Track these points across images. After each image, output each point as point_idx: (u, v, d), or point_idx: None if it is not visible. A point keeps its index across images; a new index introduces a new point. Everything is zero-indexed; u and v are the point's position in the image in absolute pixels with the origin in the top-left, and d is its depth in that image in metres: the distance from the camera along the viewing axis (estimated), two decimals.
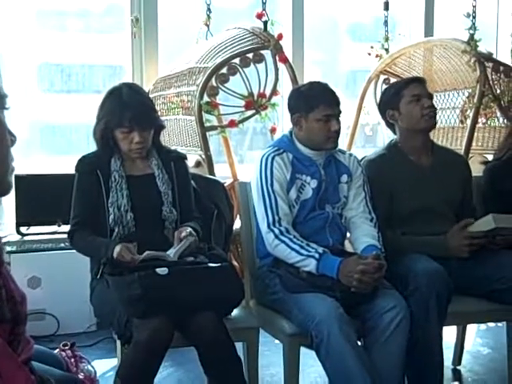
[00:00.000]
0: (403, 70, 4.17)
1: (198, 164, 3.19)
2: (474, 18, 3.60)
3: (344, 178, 2.66)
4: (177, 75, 3.33)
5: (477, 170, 3.33)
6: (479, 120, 3.84)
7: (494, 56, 4.66)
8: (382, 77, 4.19)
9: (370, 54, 4.17)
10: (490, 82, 3.47)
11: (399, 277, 2.50)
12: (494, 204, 2.97)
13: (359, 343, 2.37)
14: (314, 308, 2.31)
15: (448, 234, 2.65)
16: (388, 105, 2.84)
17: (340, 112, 2.58)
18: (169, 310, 2.17)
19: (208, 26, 3.70)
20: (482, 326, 3.80)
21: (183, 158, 2.66)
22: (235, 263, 3.05)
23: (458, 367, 3.24)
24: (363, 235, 2.59)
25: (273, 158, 2.57)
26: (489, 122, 3.74)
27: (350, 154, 2.75)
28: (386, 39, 4.14)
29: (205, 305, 2.22)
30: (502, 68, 3.55)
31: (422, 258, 2.53)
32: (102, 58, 4.18)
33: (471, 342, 3.58)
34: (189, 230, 2.42)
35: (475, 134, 3.91)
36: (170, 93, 3.32)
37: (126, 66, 3.97)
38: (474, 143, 3.93)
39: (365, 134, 4.45)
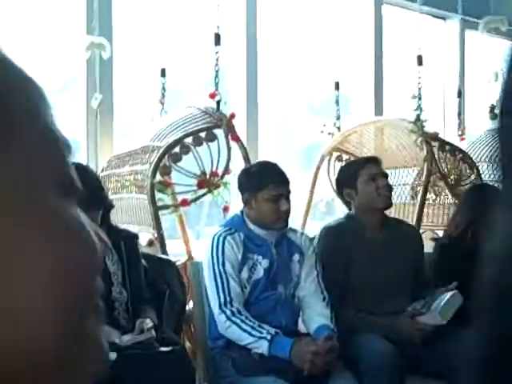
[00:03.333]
0: (355, 147, 4.26)
1: (150, 243, 3.16)
2: (420, 99, 3.73)
3: (296, 256, 2.67)
4: (130, 153, 3.34)
5: (428, 246, 3.38)
6: (429, 197, 3.93)
7: (441, 135, 4.85)
8: (335, 154, 4.27)
9: (322, 132, 4.26)
10: (437, 161, 3.57)
11: (352, 357, 2.48)
12: (444, 281, 3.01)
13: None
14: None
15: (399, 321, 2.67)
16: (345, 184, 2.90)
17: (289, 192, 2.61)
18: None
19: (163, 104, 3.73)
20: None
21: (134, 236, 2.64)
22: (188, 344, 2.99)
23: None
24: (315, 315, 2.58)
25: (224, 238, 2.57)
26: (438, 199, 3.83)
27: (302, 233, 2.77)
28: (338, 118, 4.23)
29: None
30: (448, 147, 3.66)
31: (375, 339, 2.53)
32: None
33: None
34: (151, 324, 2.38)
35: (425, 210, 3.99)
36: (123, 171, 3.31)
37: (82, 142, 3.95)
38: (424, 219, 4.01)
39: (319, 210, 4.50)
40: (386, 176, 2.89)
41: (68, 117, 4.16)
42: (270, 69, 4.60)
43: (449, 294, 2.71)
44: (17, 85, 0.42)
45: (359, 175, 2.83)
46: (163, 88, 3.74)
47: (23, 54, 3.86)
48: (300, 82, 4.71)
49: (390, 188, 2.86)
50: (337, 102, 4.25)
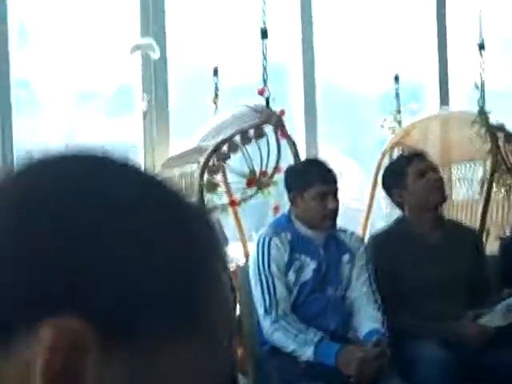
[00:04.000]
0: (418, 141, 4.08)
1: None
2: (483, 89, 3.52)
3: (346, 257, 2.55)
4: (182, 155, 3.31)
5: (495, 246, 3.20)
6: (497, 193, 3.72)
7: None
8: (397, 149, 4.10)
9: (382, 127, 4.10)
10: (503, 154, 3.36)
11: (405, 363, 2.35)
12: (508, 283, 2.83)
13: None
14: None
15: (459, 325, 2.51)
16: (393, 184, 2.75)
17: (337, 189, 2.49)
18: None
19: (216, 103, 3.68)
20: None
21: None
22: (238, 351, 2.92)
23: None
24: (366, 319, 2.46)
25: (270, 239, 2.48)
26: (507, 195, 3.60)
27: (352, 233, 2.65)
28: (398, 111, 4.06)
29: None
30: None
31: (432, 345, 2.38)
32: (116, 138, 4.20)
33: None
34: None
35: (494, 207, 3.78)
36: (175, 173, 3.28)
37: (139, 146, 3.95)
38: (493, 217, 3.79)
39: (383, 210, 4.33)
40: (435, 170, 2.72)
41: (124, 120, 4.18)
42: (327, 62, 4.49)
43: None
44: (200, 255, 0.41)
45: (407, 173, 2.66)
46: (216, 87, 3.69)
47: (79, 58, 3.91)
48: (359, 75, 4.56)
49: (442, 182, 2.68)
50: (397, 96, 4.09)
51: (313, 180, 2.45)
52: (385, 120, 4.08)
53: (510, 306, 2.53)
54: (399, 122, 4.07)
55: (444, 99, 4.40)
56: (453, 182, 4.05)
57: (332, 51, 4.47)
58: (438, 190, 2.65)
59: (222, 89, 3.77)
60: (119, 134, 4.15)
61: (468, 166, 3.91)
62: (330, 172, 2.50)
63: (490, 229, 3.79)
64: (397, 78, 4.13)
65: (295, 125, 4.17)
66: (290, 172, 2.60)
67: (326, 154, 4.91)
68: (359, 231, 3.64)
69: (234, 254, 3.29)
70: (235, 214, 3.51)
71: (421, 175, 2.65)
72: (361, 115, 5.00)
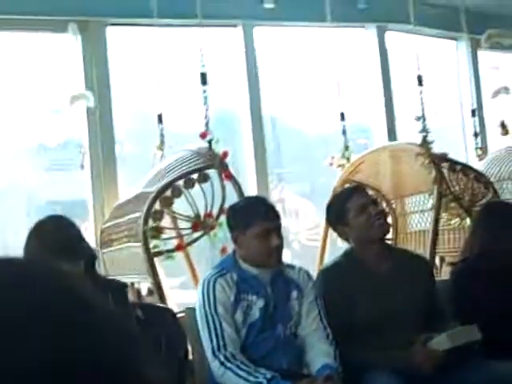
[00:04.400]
0: (368, 177, 4.11)
1: (150, 292, 3.05)
2: (425, 120, 3.58)
3: (294, 294, 2.51)
4: (126, 203, 3.28)
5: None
6: (446, 221, 3.75)
7: (463, 157, 4.66)
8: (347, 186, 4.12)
9: (331, 165, 4.13)
10: (448, 182, 3.39)
11: None
12: (466, 308, 2.81)
13: None
14: None
15: (410, 351, 2.46)
16: (336, 221, 2.74)
17: (280, 226, 2.47)
18: None
19: (162, 150, 3.67)
20: None
21: (122, 286, 2.53)
22: None
23: None
24: (318, 354, 2.42)
25: (215, 281, 2.44)
26: (455, 223, 3.63)
27: (300, 269, 2.62)
28: (346, 148, 4.11)
29: None
30: (458, 167, 3.49)
31: (383, 375, 2.34)
32: (64, 194, 4.16)
33: None
34: None
35: (445, 236, 3.80)
36: (121, 221, 3.24)
37: (89, 201, 3.90)
38: (445, 245, 3.81)
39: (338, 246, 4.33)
40: (375, 203, 2.72)
41: (71, 174, 4.14)
42: (273, 104, 4.53)
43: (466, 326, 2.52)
44: None
45: (347, 209, 2.64)
46: (161, 134, 3.69)
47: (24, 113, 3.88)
48: (307, 116, 4.61)
49: (383, 214, 2.68)
50: (343, 132, 4.13)
51: (254, 218, 2.43)
52: (333, 158, 4.11)
53: (458, 330, 2.51)
54: (348, 159, 4.10)
55: (391, 134, 4.46)
56: (406, 213, 4.08)
57: (278, 93, 4.52)
58: (380, 224, 2.63)
59: (171, 135, 3.78)
60: (67, 188, 4.11)
61: (419, 197, 3.95)
62: (271, 208, 2.48)
63: (445, 257, 3.82)
64: (343, 116, 4.18)
65: (246, 169, 4.20)
66: (230, 211, 2.57)
67: (280, 196, 4.95)
68: (315, 268, 3.63)
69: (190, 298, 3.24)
70: (187, 257, 3.49)
71: (361, 210, 2.63)
72: (315, 155, 5.04)
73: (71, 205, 4.20)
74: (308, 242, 4.63)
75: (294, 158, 5.25)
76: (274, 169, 5.09)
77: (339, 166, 4.11)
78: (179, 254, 3.52)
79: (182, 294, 3.85)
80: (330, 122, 4.43)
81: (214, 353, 2.34)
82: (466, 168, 3.55)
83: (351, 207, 2.64)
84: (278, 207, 4.89)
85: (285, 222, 4.89)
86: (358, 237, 2.66)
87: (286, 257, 4.63)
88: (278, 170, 5.17)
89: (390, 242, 2.86)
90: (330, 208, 2.77)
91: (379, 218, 2.63)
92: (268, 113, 4.52)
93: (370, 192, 4.08)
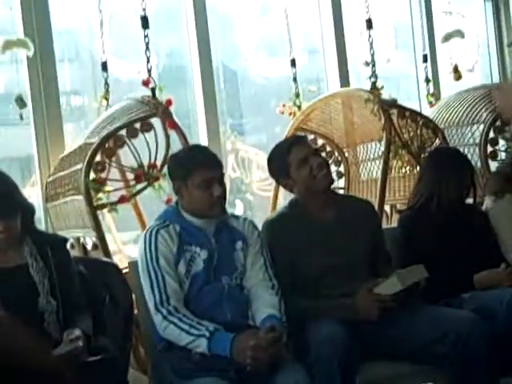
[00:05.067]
0: (319, 125, 4.06)
1: (95, 246, 2.98)
2: (374, 65, 3.52)
3: (239, 244, 2.47)
4: (69, 155, 3.18)
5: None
6: (401, 168, 3.74)
7: (416, 104, 4.63)
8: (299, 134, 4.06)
9: (282, 113, 4.06)
10: (397, 129, 3.35)
11: (303, 346, 2.29)
12: (410, 253, 2.82)
13: None
14: None
15: (356, 297, 2.45)
16: (278, 175, 2.68)
17: (222, 175, 2.41)
18: None
19: (108, 99, 3.55)
20: None
21: (62, 241, 2.46)
22: (142, 350, 2.82)
23: None
24: (263, 305, 2.38)
25: (157, 232, 2.38)
26: (405, 170, 3.61)
27: (245, 219, 2.57)
28: (297, 96, 4.03)
29: None
30: (407, 113, 3.45)
31: (325, 325, 2.32)
32: (7, 150, 4.03)
33: None
34: (78, 333, 2.19)
35: (396, 183, 3.80)
36: (64, 174, 3.14)
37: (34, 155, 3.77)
38: (396, 193, 3.81)
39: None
40: (317, 154, 2.63)
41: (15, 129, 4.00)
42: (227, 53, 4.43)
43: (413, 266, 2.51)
44: None
45: (289, 164, 2.57)
46: (106, 83, 3.57)
47: None
48: (258, 63, 4.52)
49: (325, 164, 2.60)
50: (294, 80, 4.05)
51: (195, 167, 2.36)
52: (284, 105, 4.04)
53: (407, 271, 2.48)
54: (299, 107, 4.04)
55: (344, 81, 4.39)
56: (358, 161, 4.06)
57: (229, 39, 4.42)
58: (323, 175, 2.56)
59: (120, 84, 3.67)
60: (10, 143, 3.98)
61: (370, 145, 3.92)
62: (212, 157, 2.41)
63: (396, 205, 3.82)
64: (294, 63, 4.09)
65: (197, 119, 4.11)
66: (171, 161, 2.50)
67: (233, 147, 4.88)
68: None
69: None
70: (137, 211, 3.42)
71: (302, 163, 2.56)
72: (271, 105, 4.96)
73: (16, 161, 4.08)
74: (261, 193, 4.59)
75: (250, 109, 5.18)
76: (229, 119, 5.01)
77: (290, 114, 4.04)
78: (130, 207, 3.45)
79: (135, 248, 3.79)
80: (283, 69, 4.35)
81: (156, 306, 2.29)
82: (415, 114, 3.51)
83: (292, 161, 2.58)
84: (231, 158, 4.88)
85: (238, 172, 4.85)
86: (302, 189, 2.62)
87: (239, 208, 4.62)
88: (232, 121, 5.09)
89: (335, 190, 2.81)
90: (270, 162, 2.69)
91: (321, 169, 2.58)
92: (221, 63, 4.42)
93: (321, 141, 4.06)
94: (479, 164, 3.63)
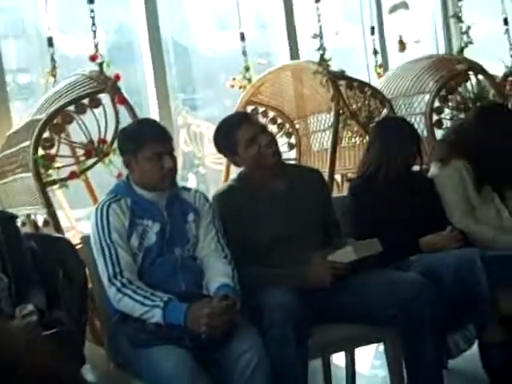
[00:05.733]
0: (269, 98, 4.08)
1: (46, 223, 2.97)
2: (322, 38, 3.55)
3: (190, 216, 2.49)
4: (16, 132, 3.14)
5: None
6: (353, 140, 3.80)
7: (364, 75, 4.69)
8: (250, 108, 4.09)
9: (232, 87, 4.07)
10: (346, 100, 3.40)
11: (256, 313, 2.34)
12: (360, 221, 2.89)
13: None
14: (161, 364, 2.13)
15: (310, 264, 2.50)
16: (225, 151, 2.69)
17: (172, 148, 2.42)
18: None
19: (55, 75, 3.51)
20: (380, 347, 3.67)
21: (11, 218, 2.45)
22: (98, 323, 2.83)
23: None
24: (216, 275, 2.42)
25: (108, 206, 2.38)
26: (354, 140, 3.68)
27: (196, 191, 2.59)
28: (247, 69, 4.04)
29: None
30: (355, 84, 3.50)
31: (278, 291, 2.36)
32: None
33: (368, 366, 3.44)
34: (31, 308, 2.19)
35: (346, 153, 3.86)
36: (12, 151, 3.11)
37: None
38: (347, 163, 3.87)
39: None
40: (264, 131, 2.63)
41: None
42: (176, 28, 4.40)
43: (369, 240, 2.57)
44: None
45: (237, 142, 2.57)
46: (52, 58, 3.52)
47: None
48: (208, 38, 4.51)
49: (273, 142, 2.61)
50: (244, 53, 4.06)
51: (145, 140, 2.36)
52: (234, 79, 4.05)
53: (361, 243, 2.54)
54: (249, 80, 4.05)
55: (293, 53, 4.42)
56: (309, 133, 4.11)
57: (178, 14, 4.39)
58: (272, 152, 2.58)
59: (67, 60, 3.62)
60: None
61: (320, 116, 3.96)
62: (162, 130, 2.42)
63: (347, 174, 3.89)
64: (243, 36, 4.10)
65: (148, 95, 4.09)
66: (120, 135, 2.50)
67: (184, 121, 4.88)
68: None
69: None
70: (88, 187, 3.41)
71: (251, 142, 2.56)
72: (221, 79, 4.96)
73: None
74: (214, 166, 4.61)
75: (201, 83, 5.17)
76: (181, 94, 5.00)
77: (241, 87, 4.06)
78: (82, 185, 3.44)
79: (89, 225, 3.77)
80: (233, 43, 4.35)
81: (110, 280, 2.31)
82: (362, 85, 3.57)
83: (239, 140, 2.58)
84: (183, 133, 4.88)
85: (190, 146, 4.85)
86: (250, 165, 2.64)
87: (192, 181, 4.64)
88: (184, 96, 5.08)
89: (284, 161, 2.83)
90: (217, 139, 2.68)
91: (270, 147, 2.59)
92: (171, 38, 4.40)
93: (272, 113, 4.09)
94: (425, 132, 3.71)
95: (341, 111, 3.39)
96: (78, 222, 3.80)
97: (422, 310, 2.42)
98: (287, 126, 4.11)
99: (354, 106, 3.46)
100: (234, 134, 2.59)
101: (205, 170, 4.66)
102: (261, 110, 4.09)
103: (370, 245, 2.54)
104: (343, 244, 2.58)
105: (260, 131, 2.60)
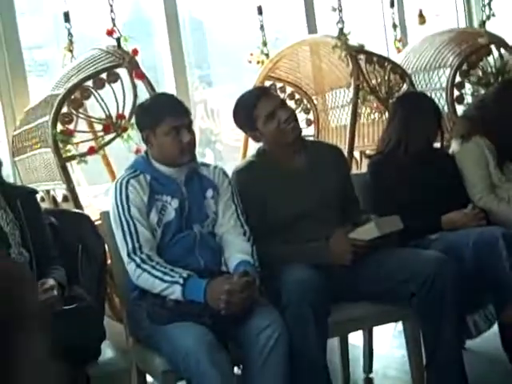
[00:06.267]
0: (287, 73, 4.04)
1: (65, 198, 2.97)
2: (341, 11, 3.49)
3: (210, 192, 2.48)
4: (35, 107, 3.13)
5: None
6: (372, 116, 3.75)
7: (383, 50, 4.62)
8: (268, 83, 4.04)
9: (250, 62, 4.03)
10: (365, 75, 3.35)
11: (275, 291, 2.33)
12: (380, 199, 2.86)
13: (238, 371, 2.20)
14: (180, 340, 2.12)
15: (330, 241, 2.48)
16: (245, 126, 2.66)
17: (191, 122, 2.40)
18: None
19: (71, 51, 3.49)
20: (398, 326, 3.66)
21: (31, 193, 2.44)
22: (117, 299, 2.84)
23: (371, 375, 3.08)
24: (235, 252, 2.41)
25: (127, 182, 2.37)
26: (374, 116, 3.63)
27: (215, 167, 2.57)
28: (265, 44, 4.00)
29: (57, 354, 2.00)
30: (375, 59, 3.44)
31: (296, 269, 2.35)
32: None
33: (386, 345, 3.43)
34: (52, 283, 2.19)
35: (365, 129, 3.82)
36: (31, 126, 3.10)
37: None
38: (366, 140, 3.83)
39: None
40: (284, 106, 2.59)
41: None
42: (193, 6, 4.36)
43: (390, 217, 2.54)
44: None
45: (256, 118, 2.54)
46: (69, 33, 3.49)
47: None
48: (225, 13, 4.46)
49: (293, 117, 2.57)
50: (261, 28, 4.01)
51: (163, 115, 2.34)
52: (251, 54, 4.00)
53: (383, 220, 2.50)
54: (267, 55, 4.01)
55: (311, 27, 4.36)
56: (327, 108, 4.06)
57: None
58: (292, 128, 2.55)
59: (85, 38, 3.59)
60: None
61: (339, 92, 3.91)
62: (179, 105, 2.39)
63: (366, 151, 3.85)
64: (260, 10, 4.05)
65: (164, 71, 4.06)
66: (138, 110, 2.48)
67: (202, 97, 4.84)
68: None
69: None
70: (106, 162, 3.40)
71: (270, 117, 2.54)
72: (238, 54, 4.91)
73: None
74: (231, 143, 4.58)
75: (218, 59, 5.12)
76: (197, 70, 4.96)
77: (258, 62, 4.01)
78: (100, 161, 3.43)
79: (107, 200, 3.77)
80: (249, 18, 4.29)
81: (129, 255, 2.30)
82: (382, 59, 3.51)
83: (258, 115, 2.55)
84: (201, 109, 4.85)
85: (208, 123, 4.82)
86: (270, 141, 2.61)
87: (210, 158, 4.61)
88: (201, 72, 5.04)
89: (304, 137, 2.80)
90: (236, 114, 2.65)
91: (289, 122, 2.56)
92: (188, 12, 4.35)
93: (290, 89, 4.04)
94: (446, 108, 3.66)
95: (360, 86, 3.34)
96: (95, 198, 3.80)
97: (443, 287, 2.40)
98: (305, 101, 4.07)
99: (373, 81, 3.41)
100: (253, 108, 2.56)
101: (222, 146, 4.64)
102: (279, 85, 4.04)
103: (391, 221, 2.51)
104: (363, 220, 2.56)
105: (279, 106, 2.57)
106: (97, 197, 3.83)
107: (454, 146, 3.14)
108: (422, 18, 4.10)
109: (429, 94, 3.41)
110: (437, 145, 3.12)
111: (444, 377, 2.47)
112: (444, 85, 3.69)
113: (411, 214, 2.64)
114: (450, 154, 3.12)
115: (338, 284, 2.44)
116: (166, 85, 4.02)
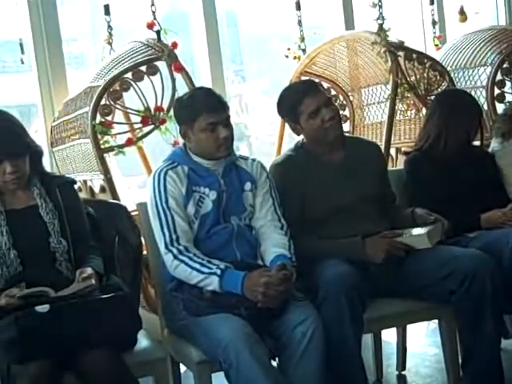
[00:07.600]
0: (323, 68, 4.02)
1: (103, 189, 2.99)
2: (381, 7, 3.46)
3: (247, 185, 2.48)
4: (74, 99, 3.16)
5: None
6: (408, 113, 3.72)
7: (422, 47, 4.57)
8: (304, 78, 4.03)
9: (287, 57, 4.02)
10: (404, 72, 3.32)
11: (311, 286, 2.32)
12: (418, 195, 2.84)
13: (274, 363, 2.19)
14: (218, 331, 2.13)
15: (368, 239, 2.47)
16: (288, 117, 2.65)
17: (228, 117, 2.40)
18: (52, 352, 1.97)
19: (111, 43, 3.51)
20: (431, 325, 3.62)
21: (70, 182, 2.46)
22: (152, 290, 2.85)
23: (403, 372, 3.06)
24: (272, 245, 2.40)
25: (165, 173, 2.38)
26: (412, 114, 3.59)
27: (253, 160, 2.57)
28: (302, 39, 3.98)
29: (95, 341, 2.02)
30: (414, 56, 3.41)
31: (333, 263, 2.35)
32: (13, 98, 4.01)
33: (419, 343, 3.40)
34: (90, 272, 2.22)
35: (402, 126, 3.78)
36: (70, 117, 3.13)
37: (37, 102, 3.74)
38: (402, 136, 3.80)
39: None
40: (329, 104, 2.57)
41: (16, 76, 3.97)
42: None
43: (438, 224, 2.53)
44: None
45: (300, 113, 2.54)
46: (109, 26, 3.52)
47: None
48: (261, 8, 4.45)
49: (336, 117, 2.57)
50: (299, 23, 4.00)
51: (199, 111, 2.34)
52: (289, 49, 3.99)
53: (432, 229, 2.49)
54: (304, 50, 3.99)
55: (348, 23, 4.34)
56: (363, 105, 4.04)
57: None
58: (333, 128, 2.55)
59: (124, 31, 3.61)
60: (14, 91, 3.96)
61: (376, 88, 3.88)
62: (217, 100, 2.39)
63: (402, 148, 3.81)
64: (298, 5, 4.03)
65: (201, 66, 4.07)
66: (176, 105, 2.49)
67: (237, 92, 4.85)
68: None
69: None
70: (142, 155, 3.42)
71: (314, 115, 2.53)
72: (273, 50, 4.91)
73: (20, 108, 4.06)
74: (266, 138, 4.58)
75: (253, 54, 5.12)
76: (232, 64, 4.96)
77: (295, 57, 4.00)
78: (135, 152, 3.45)
79: (140, 192, 3.79)
80: (286, 13, 4.28)
81: (166, 246, 2.31)
82: (422, 56, 3.47)
83: (303, 111, 2.54)
84: (235, 103, 4.85)
85: (242, 117, 4.83)
86: (310, 137, 2.61)
87: (244, 152, 4.61)
88: (236, 67, 5.05)
89: (344, 135, 2.79)
90: (281, 105, 2.64)
91: (332, 121, 2.54)
92: (224, 9, 4.35)
93: (326, 85, 4.02)
94: (486, 106, 3.61)
95: (399, 83, 3.30)
96: (128, 189, 3.83)
97: (482, 284, 2.37)
98: (341, 97, 4.05)
99: (412, 78, 3.38)
100: (298, 103, 2.55)
101: (256, 141, 4.64)
102: (316, 81, 4.02)
103: (438, 230, 2.51)
104: (405, 215, 2.58)
105: (324, 104, 2.55)
106: (130, 188, 3.86)
107: (494, 145, 3.10)
108: (463, 16, 4.05)
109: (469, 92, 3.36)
110: (476, 143, 3.08)
111: (481, 374, 2.45)
112: (484, 83, 3.65)
113: (451, 211, 2.61)
114: (490, 153, 3.08)
115: (376, 280, 2.43)
116: (203, 79, 4.03)
